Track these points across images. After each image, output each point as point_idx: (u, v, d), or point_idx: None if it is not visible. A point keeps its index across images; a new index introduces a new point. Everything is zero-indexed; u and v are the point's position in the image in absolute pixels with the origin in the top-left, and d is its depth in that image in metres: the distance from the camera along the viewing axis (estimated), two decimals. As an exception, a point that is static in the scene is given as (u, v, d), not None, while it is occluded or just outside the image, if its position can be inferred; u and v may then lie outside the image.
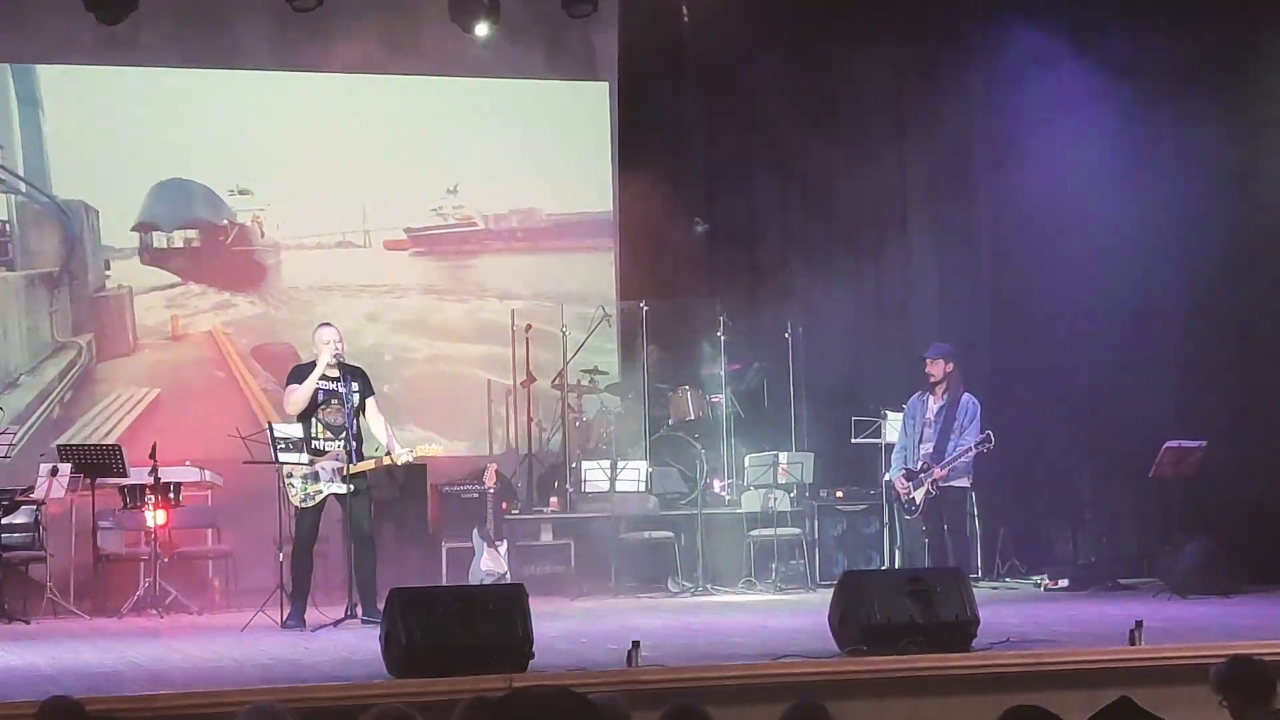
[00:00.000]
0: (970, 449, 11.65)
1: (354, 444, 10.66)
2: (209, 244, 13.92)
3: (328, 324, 11.16)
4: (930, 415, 11.86)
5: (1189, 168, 13.23)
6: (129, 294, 13.66)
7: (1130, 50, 13.26)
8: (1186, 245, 13.39)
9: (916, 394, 12.06)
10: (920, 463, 11.84)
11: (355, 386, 10.82)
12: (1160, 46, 13.35)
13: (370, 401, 10.92)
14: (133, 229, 13.68)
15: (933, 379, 11.91)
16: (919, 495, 11.77)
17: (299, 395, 10.79)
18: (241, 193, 13.96)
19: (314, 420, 10.80)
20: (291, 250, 14.09)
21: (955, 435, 11.74)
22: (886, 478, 12.54)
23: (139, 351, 13.67)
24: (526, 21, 14.16)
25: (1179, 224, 13.39)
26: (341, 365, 10.89)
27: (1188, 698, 7.18)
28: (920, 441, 11.89)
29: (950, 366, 11.90)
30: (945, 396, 11.83)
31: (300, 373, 10.95)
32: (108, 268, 13.64)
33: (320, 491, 10.74)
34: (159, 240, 13.80)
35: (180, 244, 13.86)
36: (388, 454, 10.88)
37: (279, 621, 10.54)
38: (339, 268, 14.20)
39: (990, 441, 11.58)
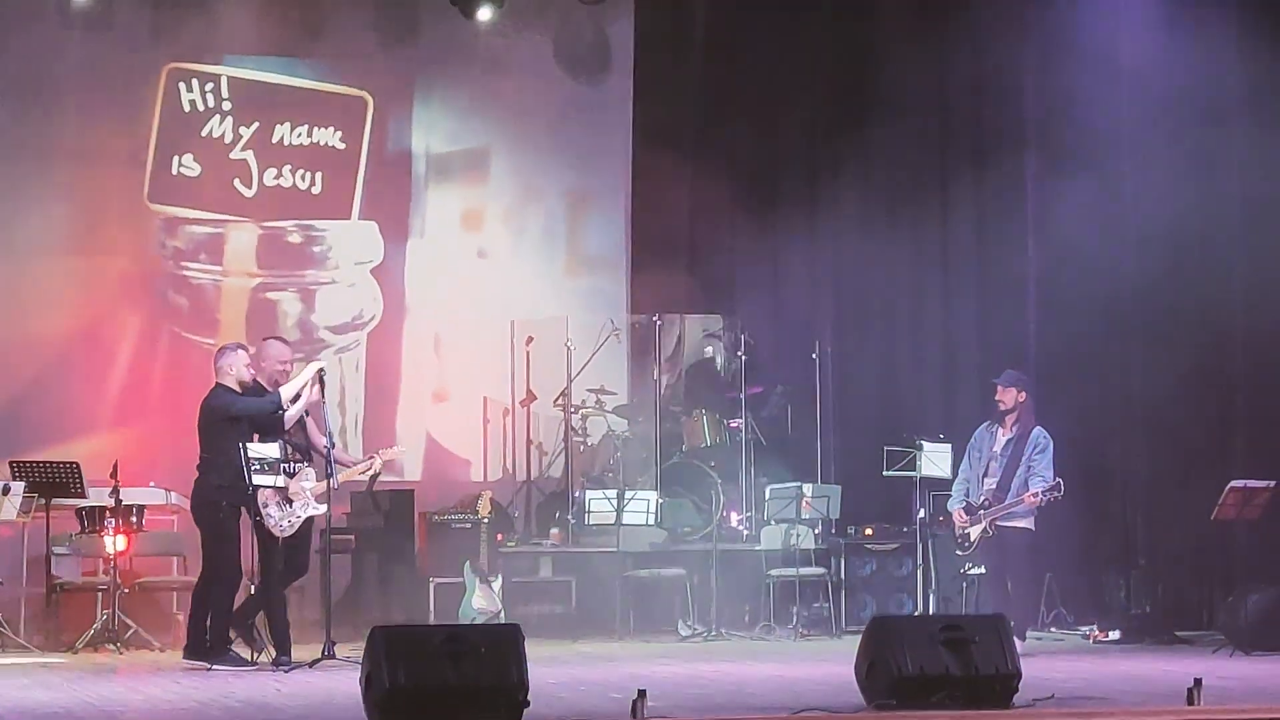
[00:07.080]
0: (1037, 496, 11.55)
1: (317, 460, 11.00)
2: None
3: (278, 339, 11.44)
4: (997, 448, 11.84)
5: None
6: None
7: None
8: (1255, 248, 13.30)
9: (984, 424, 12.03)
10: (982, 498, 11.82)
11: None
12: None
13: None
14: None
15: (1003, 407, 11.88)
16: (975, 533, 11.75)
17: (292, 398, 10.86)
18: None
19: (282, 443, 10.90)
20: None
21: (1022, 472, 11.70)
22: (948, 507, 12.30)
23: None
24: (532, 10, 14.17)
25: (1248, 216, 13.29)
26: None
27: (1250, 763, 7.18)
28: (985, 475, 11.88)
29: (1023, 396, 11.88)
30: (1015, 429, 11.82)
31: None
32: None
33: (299, 517, 10.82)
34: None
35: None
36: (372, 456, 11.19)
37: (249, 660, 10.63)
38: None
39: (1059, 490, 11.52)
